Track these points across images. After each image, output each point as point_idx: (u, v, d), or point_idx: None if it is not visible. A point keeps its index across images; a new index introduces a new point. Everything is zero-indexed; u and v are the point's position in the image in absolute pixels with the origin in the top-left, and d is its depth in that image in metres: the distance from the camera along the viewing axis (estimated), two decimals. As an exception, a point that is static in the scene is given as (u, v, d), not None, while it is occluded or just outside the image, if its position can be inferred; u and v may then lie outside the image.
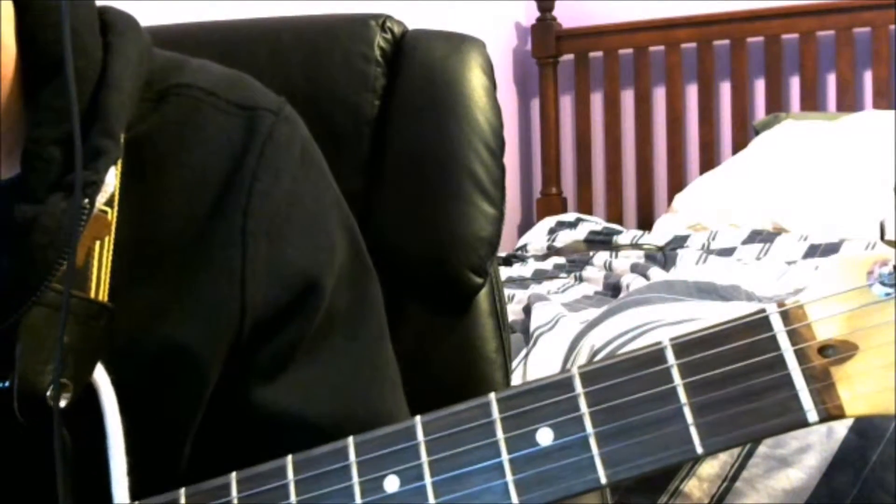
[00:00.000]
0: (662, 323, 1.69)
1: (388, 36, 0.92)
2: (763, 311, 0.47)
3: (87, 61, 0.63)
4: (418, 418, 0.49)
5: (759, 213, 2.55)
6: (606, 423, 0.47)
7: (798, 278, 2.10)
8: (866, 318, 0.46)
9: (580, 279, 2.38)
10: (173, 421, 0.65)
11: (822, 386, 0.46)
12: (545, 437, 0.47)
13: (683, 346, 0.47)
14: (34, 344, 0.57)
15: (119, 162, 0.63)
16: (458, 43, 0.93)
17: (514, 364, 1.76)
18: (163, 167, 0.66)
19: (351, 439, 0.49)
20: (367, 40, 0.91)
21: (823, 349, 0.46)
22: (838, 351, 0.46)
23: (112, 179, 0.62)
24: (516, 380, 1.71)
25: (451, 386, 0.92)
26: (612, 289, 2.24)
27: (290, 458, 0.50)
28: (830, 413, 0.46)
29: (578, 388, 0.47)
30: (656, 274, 2.21)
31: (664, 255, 2.42)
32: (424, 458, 0.48)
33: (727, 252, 2.41)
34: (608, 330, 1.71)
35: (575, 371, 0.48)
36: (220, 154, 0.67)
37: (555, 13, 3.24)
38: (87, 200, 0.59)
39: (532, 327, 1.87)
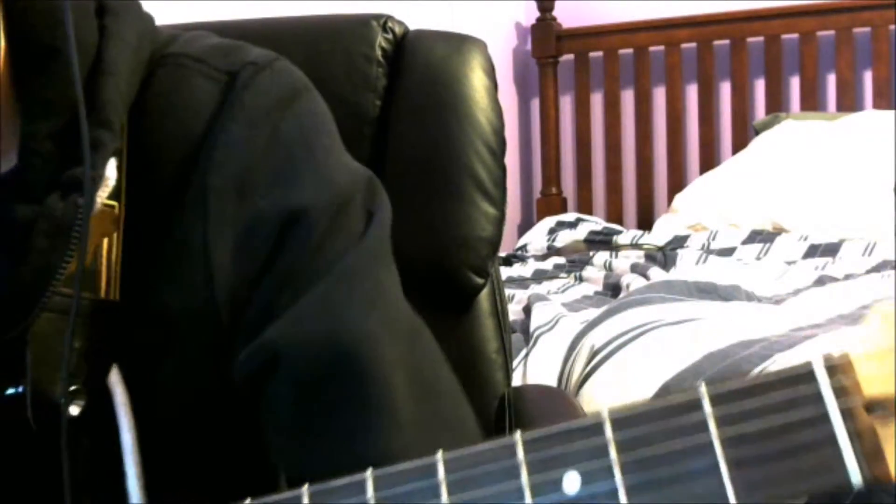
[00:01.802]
0: (662, 323, 1.69)
1: (390, 36, 0.92)
2: (808, 363, 0.44)
3: (78, 47, 0.59)
4: (440, 455, 0.46)
5: (759, 213, 2.55)
6: (637, 473, 0.44)
7: (798, 278, 2.10)
8: None
9: (580, 279, 2.38)
10: (180, 403, 0.62)
11: (869, 446, 0.42)
12: (572, 484, 0.44)
13: (721, 396, 0.44)
14: (44, 350, 0.56)
15: (123, 153, 0.61)
16: (459, 43, 0.93)
17: (514, 364, 1.76)
18: (152, 140, 0.63)
19: (369, 472, 0.47)
20: (369, 40, 0.92)
21: (871, 406, 0.43)
22: (886, 409, 0.43)
23: (112, 172, 0.59)
24: (516, 380, 1.71)
25: (452, 386, 0.92)
26: (612, 289, 2.24)
27: (305, 488, 0.47)
28: (877, 476, 0.42)
29: (609, 433, 0.44)
30: (656, 274, 2.22)
31: (664, 255, 2.42)
32: (445, 499, 0.45)
33: (727, 252, 2.41)
34: (608, 330, 1.71)
35: (605, 415, 0.45)
36: (199, 116, 0.63)
37: (555, 13, 3.24)
38: (82, 199, 0.56)
39: (532, 327, 1.87)
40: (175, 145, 0.63)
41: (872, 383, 0.43)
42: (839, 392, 0.43)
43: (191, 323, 0.62)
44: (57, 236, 0.56)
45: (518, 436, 0.45)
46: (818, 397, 0.43)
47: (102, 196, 0.58)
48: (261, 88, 0.64)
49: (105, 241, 0.59)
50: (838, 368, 0.43)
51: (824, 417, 0.43)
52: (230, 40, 0.68)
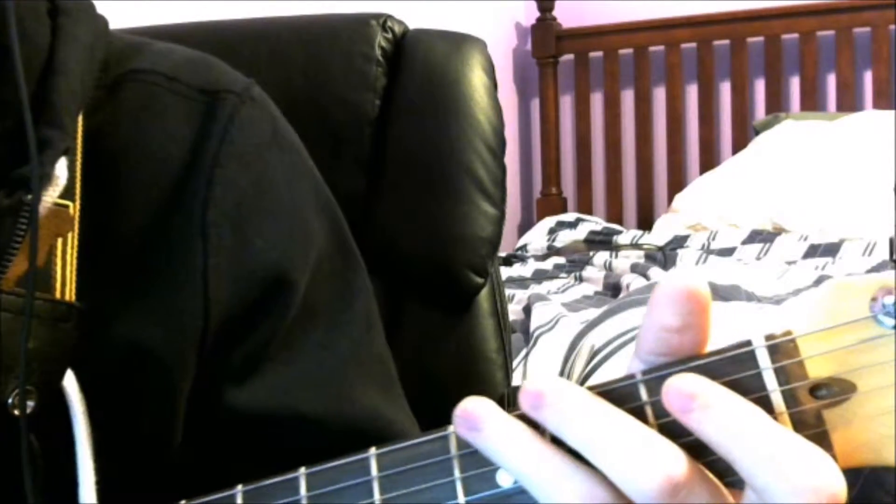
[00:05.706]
0: (663, 323, 1.68)
1: (389, 35, 0.92)
2: (749, 343, 0.41)
3: (29, 47, 0.58)
4: (373, 451, 0.45)
5: (759, 213, 2.55)
6: None
7: (798, 278, 2.10)
8: (868, 355, 0.39)
9: (580, 279, 2.38)
10: (144, 429, 0.62)
11: (814, 433, 0.40)
12: (506, 477, 0.43)
13: (659, 383, 0.41)
14: None
15: (78, 153, 0.60)
16: (459, 42, 0.93)
17: (514, 364, 1.76)
18: (121, 158, 0.62)
19: (303, 470, 0.46)
20: (368, 40, 0.91)
21: (816, 389, 0.40)
22: (833, 391, 0.40)
23: (63, 172, 0.58)
24: (516, 380, 1.71)
25: (452, 386, 0.92)
26: (612, 289, 2.24)
27: (239, 488, 0.46)
28: None
29: None
30: (656, 274, 2.22)
31: (664, 255, 2.42)
32: (377, 496, 0.44)
33: (727, 252, 2.41)
34: (608, 330, 1.71)
35: None
36: (180, 142, 0.63)
37: (555, 13, 3.25)
38: (29, 196, 0.55)
39: (532, 327, 1.87)
40: (153, 165, 0.62)
41: (819, 364, 0.40)
42: (781, 375, 0.40)
43: (167, 353, 0.61)
44: None
45: (451, 428, 0.44)
46: (759, 381, 0.40)
47: (53, 195, 0.57)
48: (246, 123, 0.64)
49: (59, 240, 0.58)
50: (781, 349, 0.40)
51: (766, 403, 0.40)
52: (195, 52, 0.68)
